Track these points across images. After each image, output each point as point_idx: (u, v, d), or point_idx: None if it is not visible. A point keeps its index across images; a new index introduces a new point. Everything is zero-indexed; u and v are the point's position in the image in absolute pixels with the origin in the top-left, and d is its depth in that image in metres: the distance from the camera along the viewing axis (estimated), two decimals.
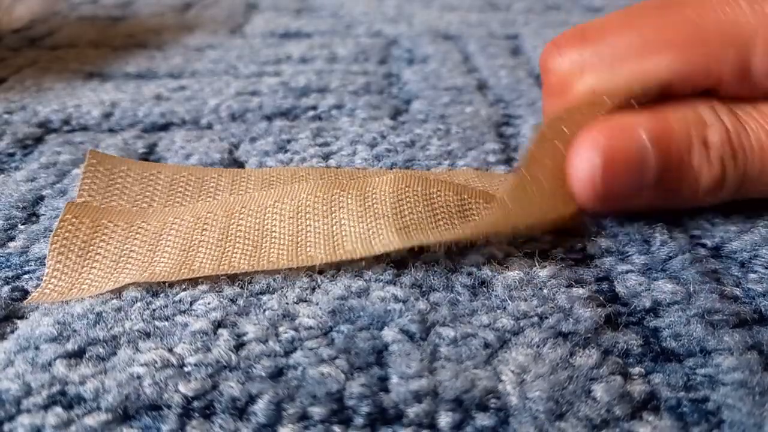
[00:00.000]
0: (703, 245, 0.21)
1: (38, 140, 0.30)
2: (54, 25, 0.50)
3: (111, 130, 0.31)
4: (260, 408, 0.15)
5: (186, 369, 0.16)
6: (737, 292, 0.19)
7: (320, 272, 0.19)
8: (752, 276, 0.19)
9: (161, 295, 0.19)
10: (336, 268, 0.20)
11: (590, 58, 0.21)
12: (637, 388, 0.16)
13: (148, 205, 0.23)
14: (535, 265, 0.19)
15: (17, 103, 0.34)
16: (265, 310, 0.18)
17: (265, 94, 0.35)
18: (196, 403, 0.15)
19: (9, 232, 0.22)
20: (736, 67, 0.20)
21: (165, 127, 0.31)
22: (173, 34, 0.48)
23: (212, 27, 0.50)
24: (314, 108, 0.33)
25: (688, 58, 0.20)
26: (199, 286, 0.19)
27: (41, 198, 0.24)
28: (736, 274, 0.20)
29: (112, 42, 0.46)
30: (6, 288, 0.19)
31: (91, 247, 0.20)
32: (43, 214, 0.23)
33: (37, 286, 0.19)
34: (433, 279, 0.19)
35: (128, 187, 0.23)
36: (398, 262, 0.20)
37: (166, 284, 0.19)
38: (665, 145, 0.20)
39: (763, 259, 0.20)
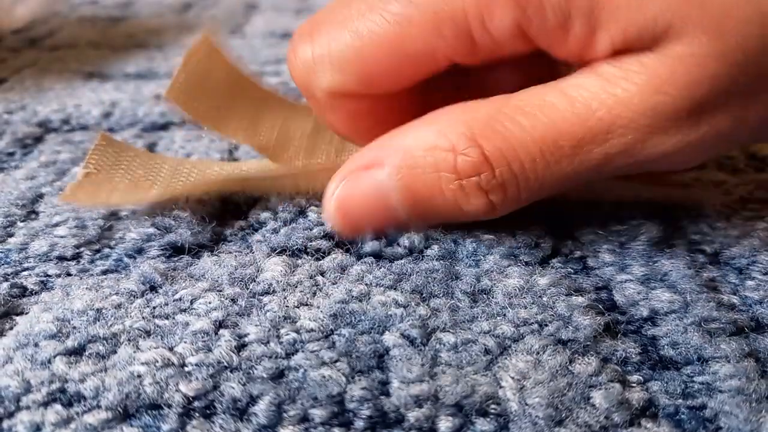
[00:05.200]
0: (702, 251, 0.21)
1: (38, 140, 0.30)
2: (54, 25, 0.50)
3: (111, 130, 0.31)
4: (261, 409, 0.15)
5: (187, 369, 0.16)
6: (735, 300, 0.19)
7: (322, 273, 0.20)
8: (750, 283, 0.20)
9: (161, 292, 0.19)
10: (341, 270, 0.20)
11: (320, 54, 0.20)
12: (636, 395, 0.16)
13: (150, 188, 0.23)
14: (535, 274, 0.19)
15: (17, 103, 0.34)
16: (266, 312, 0.18)
17: None
18: (196, 403, 0.15)
19: (8, 229, 0.22)
20: (459, 41, 0.18)
21: (164, 126, 0.31)
22: (173, 35, 0.48)
23: (212, 27, 0.50)
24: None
25: (402, 42, 0.19)
26: (199, 284, 0.19)
27: (41, 196, 0.24)
28: (733, 281, 0.20)
29: (112, 42, 0.46)
30: (5, 284, 0.19)
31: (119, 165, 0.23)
32: (43, 212, 0.23)
33: (37, 282, 0.19)
34: (434, 285, 0.19)
35: (133, 170, 0.24)
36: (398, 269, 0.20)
37: (166, 280, 0.19)
38: (410, 192, 0.19)
39: (760, 265, 0.20)
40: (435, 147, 0.19)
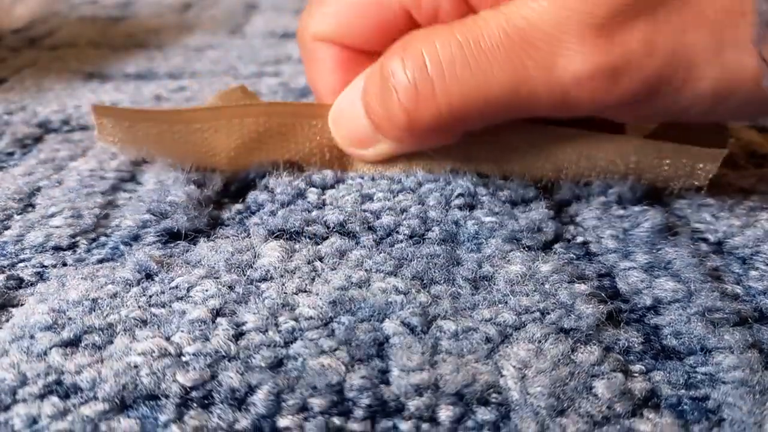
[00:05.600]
0: (705, 240, 0.21)
1: (38, 140, 0.30)
2: (54, 25, 0.50)
3: None
4: (259, 399, 0.15)
5: (184, 358, 0.16)
6: (738, 290, 0.19)
7: (320, 259, 0.19)
8: (753, 273, 0.19)
9: (157, 280, 0.18)
10: (339, 255, 0.20)
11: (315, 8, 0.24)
12: (638, 385, 0.16)
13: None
14: (537, 260, 0.19)
15: (17, 103, 0.34)
16: (264, 299, 0.18)
17: (265, 94, 0.35)
18: (194, 393, 0.15)
19: (4, 222, 0.22)
20: None
21: None
22: (173, 35, 0.48)
23: (212, 27, 0.50)
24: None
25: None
26: (195, 271, 0.19)
27: (38, 189, 0.24)
28: (737, 271, 0.20)
29: (112, 42, 0.46)
30: (1, 277, 0.19)
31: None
32: (39, 204, 0.23)
33: (33, 273, 0.19)
34: (435, 272, 0.19)
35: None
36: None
37: (162, 267, 0.19)
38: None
39: (764, 255, 0.20)
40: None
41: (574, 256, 0.20)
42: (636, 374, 0.16)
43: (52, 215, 0.22)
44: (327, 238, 0.21)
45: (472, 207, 0.22)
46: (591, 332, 0.17)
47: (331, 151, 0.24)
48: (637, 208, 0.22)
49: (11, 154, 0.28)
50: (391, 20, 0.22)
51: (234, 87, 0.27)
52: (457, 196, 0.22)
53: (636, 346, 0.17)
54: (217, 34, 0.48)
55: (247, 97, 0.28)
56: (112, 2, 0.59)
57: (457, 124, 0.21)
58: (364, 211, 0.22)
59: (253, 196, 0.23)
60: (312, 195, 0.22)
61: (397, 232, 0.21)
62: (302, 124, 0.24)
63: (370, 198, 0.22)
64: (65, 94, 0.35)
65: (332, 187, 0.23)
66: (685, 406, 0.15)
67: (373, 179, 0.23)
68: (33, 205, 0.23)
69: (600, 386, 0.15)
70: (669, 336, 0.17)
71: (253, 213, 0.22)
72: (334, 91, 0.24)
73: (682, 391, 0.16)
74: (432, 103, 0.20)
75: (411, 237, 0.21)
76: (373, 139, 0.23)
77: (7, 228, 0.22)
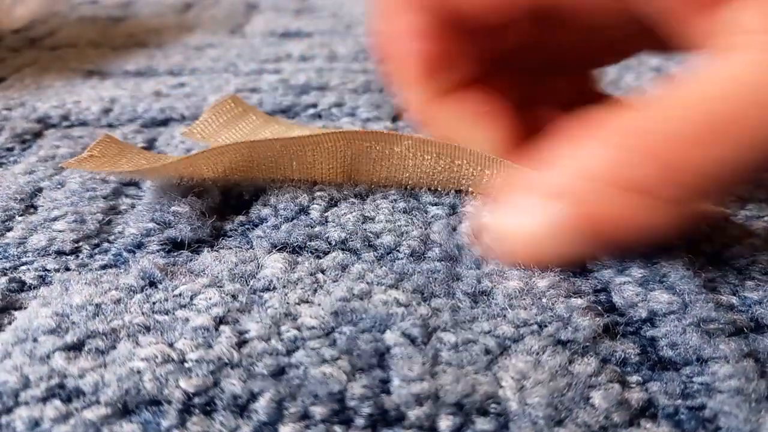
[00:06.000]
0: (702, 252, 0.21)
1: (37, 135, 0.30)
2: (54, 25, 0.50)
3: (110, 126, 0.31)
4: (261, 406, 0.15)
5: (187, 365, 0.16)
6: (734, 300, 0.19)
7: (322, 271, 0.20)
8: (749, 283, 0.20)
9: (161, 288, 0.19)
10: (341, 269, 0.20)
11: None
12: (635, 395, 0.16)
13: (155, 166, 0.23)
14: (534, 276, 0.19)
15: (16, 99, 0.34)
16: (267, 308, 0.18)
17: (265, 91, 0.35)
18: (196, 400, 0.15)
19: (6, 223, 0.22)
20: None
21: (164, 122, 0.31)
22: (173, 34, 0.48)
23: (212, 27, 0.50)
24: (314, 106, 0.33)
25: None
26: (199, 280, 0.19)
27: (39, 190, 0.24)
28: (733, 281, 0.20)
29: (113, 42, 0.46)
30: (3, 279, 0.19)
31: (122, 155, 0.23)
32: (41, 206, 0.23)
33: (35, 277, 0.19)
34: (435, 286, 0.19)
35: (136, 160, 0.24)
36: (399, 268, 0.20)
37: (166, 275, 0.19)
38: (592, 221, 0.18)
39: (760, 265, 0.20)
40: (614, 162, 0.17)
41: (571, 273, 0.20)
42: (633, 385, 0.16)
43: (55, 218, 0.22)
44: (329, 252, 0.21)
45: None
46: (588, 344, 0.17)
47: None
48: None
49: (10, 149, 0.28)
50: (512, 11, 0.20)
51: (226, 98, 0.28)
52: (463, 222, 0.22)
53: (632, 357, 0.17)
54: (218, 34, 0.48)
55: (239, 107, 0.28)
56: (112, 2, 0.59)
57: None
58: (366, 230, 0.22)
59: (256, 209, 0.23)
60: (315, 212, 0.23)
61: (398, 251, 0.21)
62: (287, 161, 0.24)
63: (371, 219, 0.22)
64: (65, 90, 0.35)
65: (335, 205, 0.23)
66: (681, 416, 0.15)
67: (374, 201, 0.24)
68: (35, 207, 0.23)
69: (597, 397, 0.15)
70: (665, 347, 0.17)
71: (256, 226, 0.22)
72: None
73: (679, 400, 0.16)
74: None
75: (411, 255, 0.21)
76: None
77: (9, 229, 0.22)
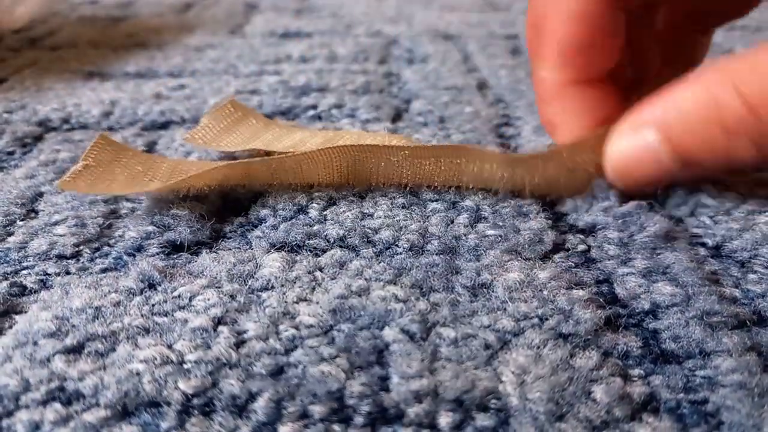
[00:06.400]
0: (704, 245, 0.21)
1: (38, 139, 0.30)
2: (54, 25, 0.50)
3: (111, 128, 0.31)
4: (260, 406, 0.15)
5: (186, 366, 0.16)
6: (736, 293, 0.19)
7: (320, 269, 0.20)
8: (752, 276, 0.19)
9: (160, 290, 0.19)
10: (339, 266, 0.20)
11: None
12: (637, 389, 0.16)
13: (150, 181, 0.23)
14: (535, 268, 0.19)
15: (17, 102, 0.34)
16: (265, 308, 0.18)
17: (265, 93, 0.35)
18: (195, 401, 0.15)
19: (8, 228, 0.22)
20: None
21: (165, 125, 0.31)
22: (173, 35, 0.48)
23: (212, 27, 0.51)
24: (314, 107, 0.33)
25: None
26: (197, 281, 0.19)
27: (40, 194, 0.24)
28: (735, 274, 0.20)
29: (112, 42, 0.46)
30: (4, 283, 0.19)
31: (118, 161, 0.23)
32: (42, 210, 0.23)
33: (36, 281, 0.19)
34: (433, 280, 0.19)
35: (132, 166, 0.24)
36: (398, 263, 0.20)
37: (165, 277, 0.19)
38: (681, 147, 0.21)
39: (762, 259, 0.20)
40: (701, 102, 0.20)
41: (573, 264, 0.20)
42: (635, 378, 0.16)
43: (56, 223, 0.22)
44: (327, 250, 0.21)
45: (475, 222, 0.22)
46: (589, 337, 0.17)
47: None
48: (639, 213, 0.22)
49: (11, 153, 0.28)
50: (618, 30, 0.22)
51: (225, 101, 0.28)
52: (461, 214, 0.22)
53: (635, 350, 0.17)
54: (218, 34, 0.48)
55: (238, 111, 0.28)
56: (112, 2, 0.59)
57: None
58: (364, 226, 0.22)
59: (255, 210, 0.23)
60: (313, 211, 0.23)
61: (396, 245, 0.21)
62: (282, 175, 0.24)
63: (370, 216, 0.22)
64: (65, 92, 0.35)
65: (334, 204, 0.23)
66: (684, 410, 0.15)
67: (373, 199, 0.23)
68: (36, 211, 0.23)
69: (599, 391, 0.15)
70: (667, 340, 0.17)
71: (255, 226, 0.22)
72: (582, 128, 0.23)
73: (681, 394, 0.16)
74: None
75: (410, 249, 0.21)
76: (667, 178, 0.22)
77: (10, 234, 0.22)
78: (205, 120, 0.28)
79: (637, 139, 0.21)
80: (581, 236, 0.22)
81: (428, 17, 0.54)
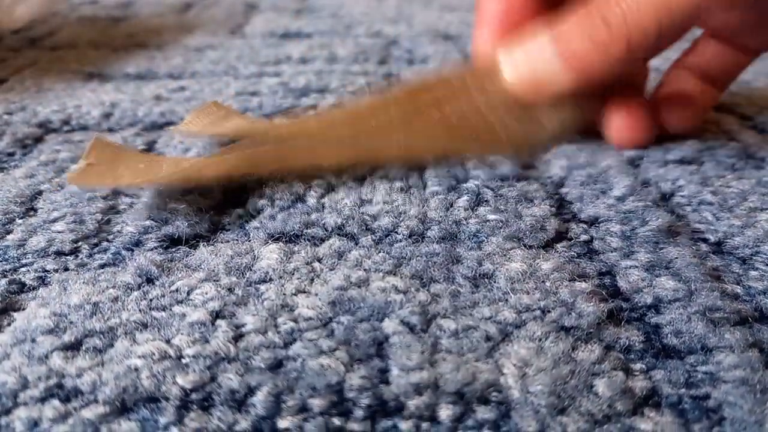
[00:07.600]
0: (705, 240, 0.21)
1: (38, 140, 0.30)
2: (54, 25, 0.50)
3: (110, 130, 0.31)
4: (259, 400, 0.15)
5: (184, 361, 0.16)
6: (738, 290, 0.19)
7: (319, 260, 0.19)
8: (753, 273, 0.19)
9: (157, 284, 0.18)
10: (338, 256, 0.20)
11: None
12: (639, 384, 0.15)
13: (156, 172, 0.23)
14: (538, 258, 0.19)
15: (17, 103, 0.34)
16: (263, 301, 0.18)
17: (265, 94, 0.35)
18: (194, 395, 0.15)
19: (7, 226, 0.22)
20: None
21: (164, 126, 0.31)
22: (173, 35, 0.48)
23: (212, 27, 0.51)
24: (314, 108, 0.33)
25: None
26: (195, 274, 0.19)
27: (39, 193, 0.24)
28: (737, 271, 0.20)
29: (112, 42, 0.46)
30: (3, 281, 0.19)
31: (119, 160, 0.24)
32: (41, 208, 0.23)
33: (35, 278, 0.19)
34: (434, 270, 0.19)
35: (134, 165, 0.23)
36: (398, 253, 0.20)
37: (162, 272, 0.19)
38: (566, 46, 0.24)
39: (764, 256, 0.20)
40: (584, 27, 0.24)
41: (576, 255, 0.20)
42: (637, 373, 0.16)
43: (54, 220, 0.22)
44: (326, 239, 0.20)
45: (476, 205, 0.22)
46: (592, 330, 0.17)
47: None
48: (642, 206, 0.22)
49: (12, 154, 0.28)
50: None
51: (208, 103, 0.29)
52: (461, 197, 0.22)
53: (637, 344, 0.17)
54: (217, 35, 0.48)
55: (221, 110, 0.29)
56: (112, 2, 0.59)
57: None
58: (363, 213, 0.22)
59: (252, 201, 0.23)
60: (311, 199, 0.22)
61: (396, 232, 0.21)
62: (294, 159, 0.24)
63: (368, 201, 0.22)
64: (65, 94, 0.35)
65: (332, 190, 0.23)
66: (685, 405, 0.15)
67: (372, 183, 0.23)
68: (35, 209, 0.23)
69: (601, 385, 0.15)
70: (669, 335, 0.17)
71: (253, 217, 0.22)
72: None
73: (683, 389, 0.16)
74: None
75: (410, 236, 0.21)
76: (555, 80, 0.24)
77: (9, 232, 0.22)
78: (190, 117, 0.28)
79: (532, 46, 0.24)
80: (584, 226, 0.22)
81: (428, 17, 0.54)
